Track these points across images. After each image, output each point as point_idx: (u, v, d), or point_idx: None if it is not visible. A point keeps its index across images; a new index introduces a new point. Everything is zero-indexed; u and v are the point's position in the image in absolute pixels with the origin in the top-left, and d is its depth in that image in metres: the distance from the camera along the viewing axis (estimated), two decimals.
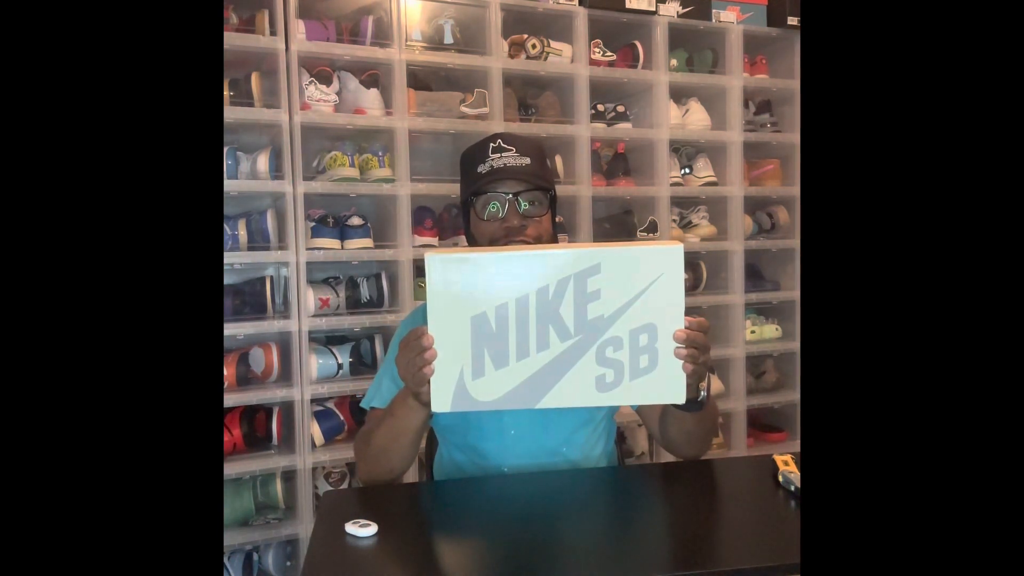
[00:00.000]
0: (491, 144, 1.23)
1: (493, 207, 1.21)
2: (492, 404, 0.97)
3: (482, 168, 1.22)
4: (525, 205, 1.21)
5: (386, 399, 1.24)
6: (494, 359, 0.96)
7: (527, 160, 1.22)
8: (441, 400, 0.97)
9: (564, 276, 0.95)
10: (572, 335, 0.96)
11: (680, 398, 0.97)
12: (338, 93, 2.10)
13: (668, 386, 0.96)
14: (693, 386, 1.02)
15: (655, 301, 0.95)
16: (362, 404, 1.33)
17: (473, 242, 1.28)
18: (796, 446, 2.59)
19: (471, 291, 0.95)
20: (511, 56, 2.27)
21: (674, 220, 2.55)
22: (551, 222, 1.26)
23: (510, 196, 1.20)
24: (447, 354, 0.97)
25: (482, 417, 1.25)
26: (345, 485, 2.11)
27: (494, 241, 1.22)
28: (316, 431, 2.05)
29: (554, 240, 1.29)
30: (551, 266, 0.95)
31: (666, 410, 1.20)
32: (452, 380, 0.97)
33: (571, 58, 2.33)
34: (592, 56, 2.36)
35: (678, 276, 0.95)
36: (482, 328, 0.96)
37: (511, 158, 1.21)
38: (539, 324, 0.96)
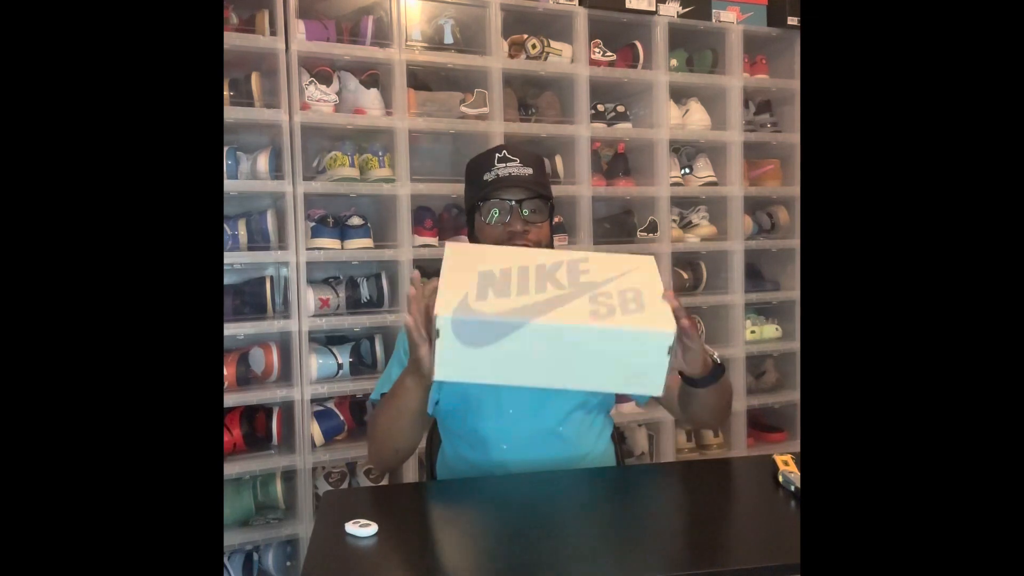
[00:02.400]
0: (496, 154, 1.32)
1: (498, 212, 1.29)
2: (490, 317, 0.97)
3: (488, 176, 1.30)
4: (527, 212, 1.29)
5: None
6: (496, 292, 1.00)
7: (530, 170, 1.30)
8: (444, 307, 0.97)
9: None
10: (566, 288, 1.02)
11: (670, 326, 0.98)
12: (338, 93, 2.10)
13: (657, 319, 0.99)
14: (698, 360, 1.08)
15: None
16: (372, 397, 1.37)
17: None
18: (796, 446, 2.59)
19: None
20: (511, 56, 2.27)
21: (674, 220, 2.55)
22: (550, 228, 1.35)
23: (514, 203, 1.28)
24: (453, 283, 1.01)
25: (481, 398, 1.29)
26: (345, 485, 2.11)
27: (498, 243, 1.29)
28: (316, 431, 2.05)
29: (551, 245, 1.37)
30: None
31: (684, 390, 1.23)
32: (456, 298, 0.98)
33: (571, 58, 2.33)
34: (592, 56, 2.36)
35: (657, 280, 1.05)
36: (487, 280, 1.02)
37: (515, 167, 1.30)
38: (538, 284, 1.03)
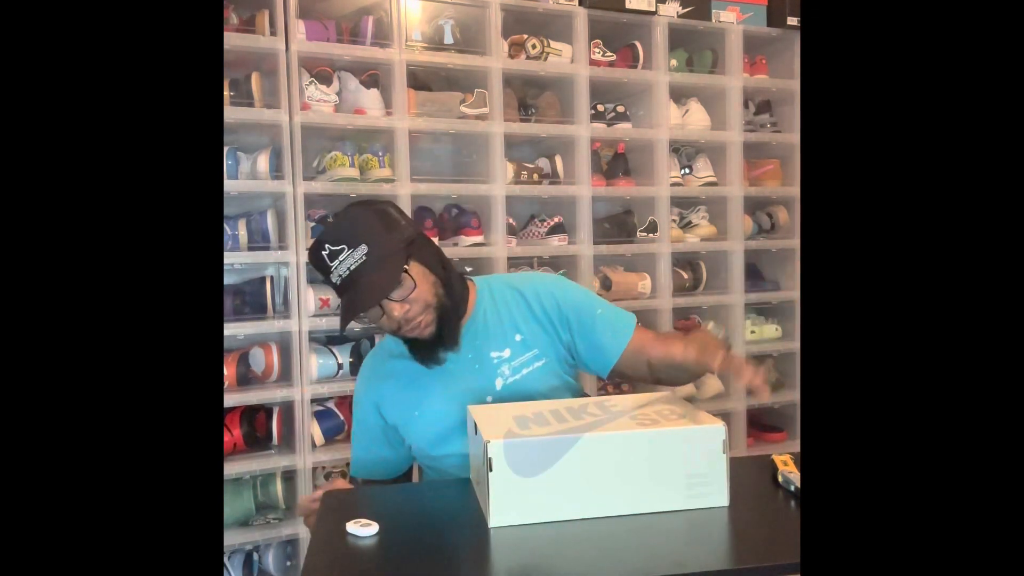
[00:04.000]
0: (323, 252, 1.16)
1: (373, 316, 1.19)
2: (543, 436, 0.97)
3: (334, 278, 1.17)
4: (393, 297, 1.16)
5: (386, 472, 1.34)
6: (537, 424, 1.02)
7: (364, 248, 1.14)
8: (494, 435, 0.96)
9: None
10: (602, 415, 1.05)
11: (719, 422, 1.00)
12: (338, 93, 2.10)
13: (704, 420, 1.02)
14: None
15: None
16: (355, 474, 1.38)
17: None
18: (796, 446, 2.59)
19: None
20: (511, 56, 2.27)
21: (674, 220, 2.55)
22: (423, 272, 1.19)
23: (375, 305, 1.16)
24: (492, 424, 1.02)
25: (443, 431, 1.26)
26: None
27: (396, 331, 1.21)
28: (316, 431, 2.05)
29: (444, 287, 1.21)
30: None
31: (669, 368, 1.18)
32: (502, 430, 0.98)
33: (571, 58, 2.33)
34: (592, 56, 2.37)
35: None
36: (523, 419, 1.04)
37: (348, 258, 1.14)
38: (573, 416, 1.05)
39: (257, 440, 2.06)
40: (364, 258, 1.14)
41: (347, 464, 2.13)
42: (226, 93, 2.00)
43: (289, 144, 1.99)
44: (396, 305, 1.16)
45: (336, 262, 1.15)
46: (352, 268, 1.14)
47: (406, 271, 1.16)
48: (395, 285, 1.16)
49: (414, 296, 1.17)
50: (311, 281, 2.08)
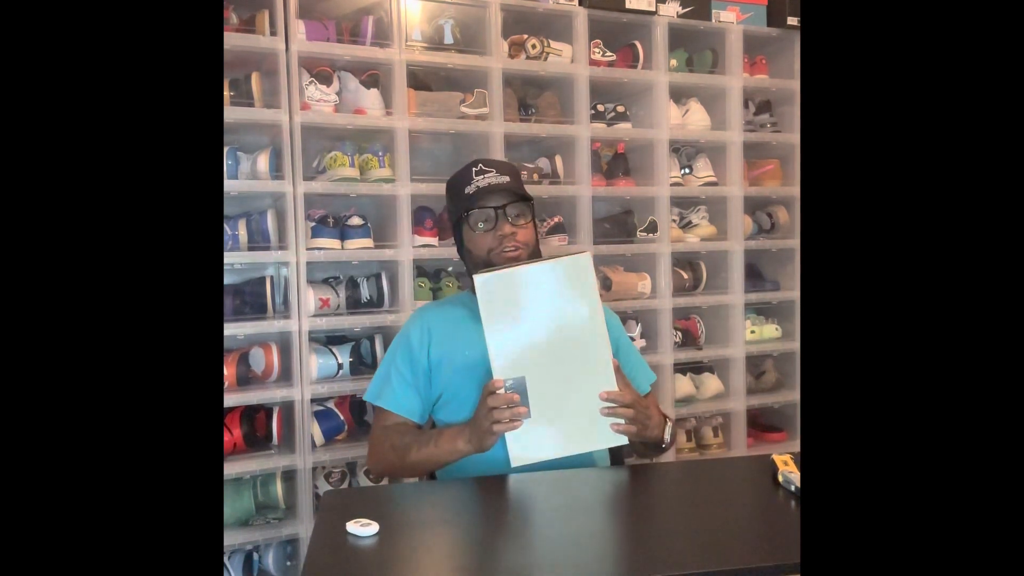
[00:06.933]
0: (473, 168, 1.39)
1: (485, 220, 1.35)
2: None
3: (469, 189, 1.37)
4: (512, 215, 1.36)
5: (399, 405, 1.37)
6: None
7: (507, 178, 1.38)
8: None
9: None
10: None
11: (583, 252, 1.22)
12: (338, 93, 2.10)
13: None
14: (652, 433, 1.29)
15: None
16: (368, 397, 1.41)
17: (469, 257, 1.40)
18: (796, 446, 2.59)
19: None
20: (511, 56, 2.27)
21: (674, 220, 2.55)
22: (535, 229, 1.43)
23: (498, 209, 1.35)
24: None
25: (474, 398, 1.29)
26: (345, 485, 2.11)
27: (490, 250, 1.35)
28: (316, 431, 2.05)
29: (538, 245, 1.44)
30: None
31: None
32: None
33: (571, 58, 2.33)
34: (592, 56, 2.36)
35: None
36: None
37: (493, 177, 1.37)
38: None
39: (257, 440, 2.06)
40: (505, 183, 1.37)
41: (347, 464, 2.14)
42: (226, 93, 2.00)
43: (289, 144, 1.99)
44: (509, 224, 1.36)
45: (481, 176, 1.38)
46: (492, 183, 1.37)
47: (533, 206, 1.42)
48: (525, 199, 1.38)
49: (525, 227, 1.38)
50: (311, 281, 2.08)
